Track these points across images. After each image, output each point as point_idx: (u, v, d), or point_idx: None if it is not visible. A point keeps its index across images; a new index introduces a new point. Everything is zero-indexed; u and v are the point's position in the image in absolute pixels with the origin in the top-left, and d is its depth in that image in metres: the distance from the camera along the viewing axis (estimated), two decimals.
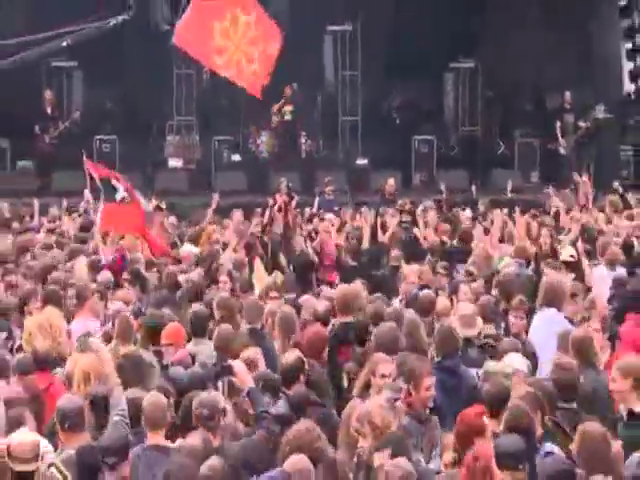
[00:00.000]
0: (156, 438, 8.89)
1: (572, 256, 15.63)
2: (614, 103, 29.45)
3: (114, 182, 16.22)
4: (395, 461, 7.66)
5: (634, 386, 8.99)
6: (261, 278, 16.22)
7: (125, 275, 15.08)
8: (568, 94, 28.24)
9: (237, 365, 10.01)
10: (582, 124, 27.90)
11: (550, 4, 29.13)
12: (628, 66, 30.44)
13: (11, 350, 11.77)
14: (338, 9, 28.87)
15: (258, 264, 17.15)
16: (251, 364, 10.34)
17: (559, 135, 27.88)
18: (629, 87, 30.63)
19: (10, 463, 7.65)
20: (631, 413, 8.95)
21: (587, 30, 29.94)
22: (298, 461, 7.87)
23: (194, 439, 8.62)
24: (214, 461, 8.01)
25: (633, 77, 30.41)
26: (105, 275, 14.79)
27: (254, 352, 10.73)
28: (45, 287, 14.10)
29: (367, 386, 9.96)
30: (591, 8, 29.94)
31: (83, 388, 9.81)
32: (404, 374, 9.55)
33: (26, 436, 7.99)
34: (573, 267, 15.20)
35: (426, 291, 13.56)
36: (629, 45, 30.39)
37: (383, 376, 9.85)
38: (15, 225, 20.58)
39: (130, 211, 16.41)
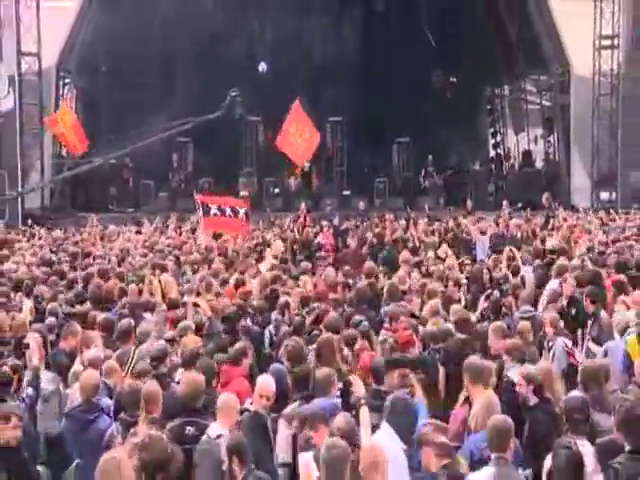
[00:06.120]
0: None
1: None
2: (483, 161, 30.45)
3: (223, 206, 15.58)
4: None
5: None
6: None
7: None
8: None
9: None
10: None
11: (450, 107, 29.63)
12: (491, 141, 31.59)
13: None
14: (334, 108, 28.80)
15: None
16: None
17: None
18: (492, 153, 31.57)
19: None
20: None
21: (470, 122, 30.94)
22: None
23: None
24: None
25: (494, 147, 31.40)
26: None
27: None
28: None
29: None
30: (472, 109, 31.15)
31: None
32: None
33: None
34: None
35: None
36: (491, 130, 31.46)
37: None
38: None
39: (224, 220, 15.66)
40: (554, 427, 5.78)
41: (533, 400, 6.24)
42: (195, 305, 9.66)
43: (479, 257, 14.88)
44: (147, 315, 9.69)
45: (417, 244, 15.79)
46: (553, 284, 10.44)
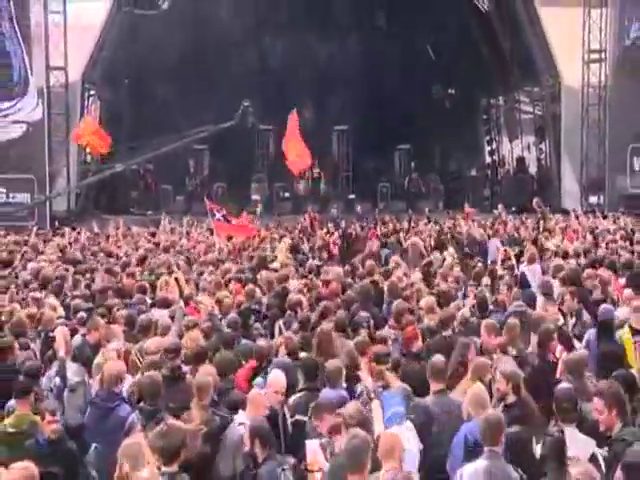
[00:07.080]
0: None
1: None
2: (480, 167, 30.47)
3: (228, 215, 16.10)
4: None
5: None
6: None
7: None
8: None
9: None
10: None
11: (449, 117, 29.71)
12: (487, 148, 31.46)
13: None
14: (339, 117, 28.94)
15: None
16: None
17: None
18: (488, 159, 31.48)
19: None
20: None
21: (467, 131, 30.88)
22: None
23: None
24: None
25: (489, 154, 31.27)
26: None
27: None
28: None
29: None
30: (469, 118, 31.04)
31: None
32: None
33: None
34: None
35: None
36: (487, 138, 31.32)
37: None
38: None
39: (231, 225, 16.18)
40: (531, 425, 5.66)
41: (511, 398, 6.03)
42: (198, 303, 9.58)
43: (490, 259, 14.52)
44: (157, 312, 9.40)
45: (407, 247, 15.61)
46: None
